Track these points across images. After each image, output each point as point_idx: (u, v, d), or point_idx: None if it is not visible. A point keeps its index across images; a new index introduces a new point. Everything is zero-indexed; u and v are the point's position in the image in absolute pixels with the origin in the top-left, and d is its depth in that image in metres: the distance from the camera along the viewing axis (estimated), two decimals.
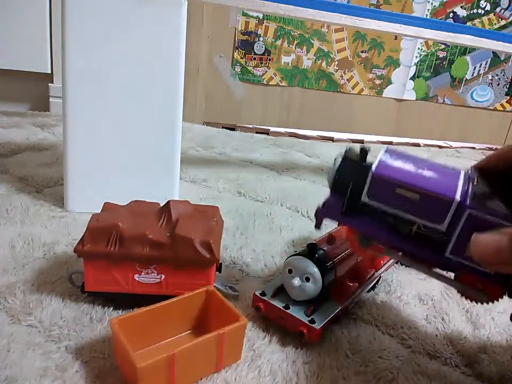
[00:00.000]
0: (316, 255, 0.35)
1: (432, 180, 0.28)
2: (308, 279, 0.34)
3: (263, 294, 0.36)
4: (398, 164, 0.29)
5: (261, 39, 1.25)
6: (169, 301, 0.32)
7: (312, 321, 0.33)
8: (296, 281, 0.34)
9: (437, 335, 0.38)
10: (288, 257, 0.36)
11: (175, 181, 0.56)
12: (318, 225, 0.32)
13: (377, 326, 0.38)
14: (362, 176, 0.29)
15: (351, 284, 0.37)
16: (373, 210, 0.30)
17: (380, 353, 0.35)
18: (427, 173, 0.29)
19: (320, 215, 0.32)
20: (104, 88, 0.49)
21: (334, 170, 0.31)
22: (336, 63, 1.30)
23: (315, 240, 0.38)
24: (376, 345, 0.36)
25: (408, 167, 0.29)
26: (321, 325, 0.33)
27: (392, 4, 1.26)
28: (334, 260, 0.36)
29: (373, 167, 0.28)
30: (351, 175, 0.30)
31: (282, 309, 0.34)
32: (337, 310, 0.35)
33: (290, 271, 0.35)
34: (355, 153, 0.31)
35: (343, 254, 0.37)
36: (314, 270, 0.34)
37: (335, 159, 0.31)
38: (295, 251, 0.37)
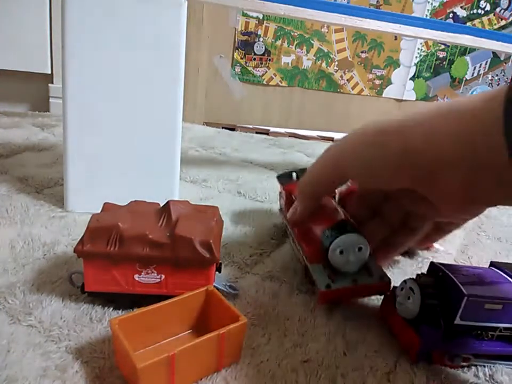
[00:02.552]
0: (350, 228, 0.38)
1: (506, 289, 0.33)
2: (360, 249, 0.37)
3: (328, 286, 0.37)
4: (471, 279, 0.33)
5: (261, 39, 1.25)
6: (169, 301, 0.32)
7: (381, 278, 0.38)
8: (352, 257, 0.37)
9: None
10: (330, 242, 0.37)
11: (175, 181, 0.56)
12: (418, 361, 0.34)
13: (375, 320, 0.38)
14: (449, 299, 0.32)
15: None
16: (463, 329, 0.32)
17: (378, 347, 0.35)
18: (495, 283, 0.34)
19: (424, 350, 0.33)
20: (104, 88, 0.49)
21: (419, 300, 0.33)
22: (336, 63, 1.30)
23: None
24: (373, 339, 0.36)
25: (479, 280, 0.33)
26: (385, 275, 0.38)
27: (392, 4, 1.26)
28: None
29: (464, 290, 0.31)
30: (436, 300, 0.33)
31: (354, 285, 0.37)
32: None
33: (341, 252, 0.37)
34: (425, 278, 0.34)
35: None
36: (363, 239, 0.37)
37: (402, 288, 0.35)
38: (328, 231, 0.38)
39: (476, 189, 0.28)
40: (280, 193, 0.53)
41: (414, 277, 0.35)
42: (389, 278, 0.38)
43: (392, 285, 0.38)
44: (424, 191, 0.31)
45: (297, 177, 0.51)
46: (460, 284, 0.32)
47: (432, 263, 0.36)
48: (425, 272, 0.36)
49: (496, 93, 0.26)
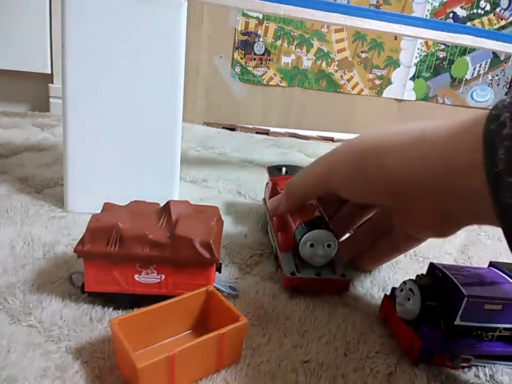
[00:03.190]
0: (323, 225, 0.40)
1: (505, 289, 0.33)
2: (329, 246, 0.39)
3: (293, 273, 0.40)
4: (470, 280, 0.33)
5: (261, 39, 1.25)
6: (169, 301, 0.32)
7: (343, 276, 0.40)
8: (321, 251, 0.39)
9: None
10: (302, 235, 0.39)
11: (175, 181, 0.56)
12: (418, 362, 0.34)
13: (375, 320, 0.38)
14: (449, 300, 0.32)
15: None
16: (463, 330, 0.32)
17: (378, 348, 0.35)
18: (495, 283, 0.34)
19: (425, 351, 0.33)
20: (104, 88, 0.49)
21: (419, 301, 0.33)
22: (336, 63, 1.30)
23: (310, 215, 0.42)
24: (374, 339, 0.36)
25: (479, 280, 0.34)
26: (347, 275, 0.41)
27: (392, 4, 1.26)
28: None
29: (464, 291, 0.31)
30: (436, 301, 0.33)
31: (316, 277, 0.40)
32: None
33: (312, 245, 0.39)
34: (425, 279, 0.34)
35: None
36: (333, 238, 0.39)
37: (401, 289, 0.35)
38: (302, 225, 0.40)
39: (450, 213, 0.30)
40: (267, 184, 0.55)
41: (414, 277, 0.35)
42: (350, 277, 0.42)
43: (392, 286, 0.38)
44: (402, 211, 0.34)
45: (286, 172, 0.53)
46: (459, 285, 0.32)
47: (431, 264, 0.36)
48: (425, 273, 0.36)
49: (464, 129, 0.27)
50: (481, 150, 0.25)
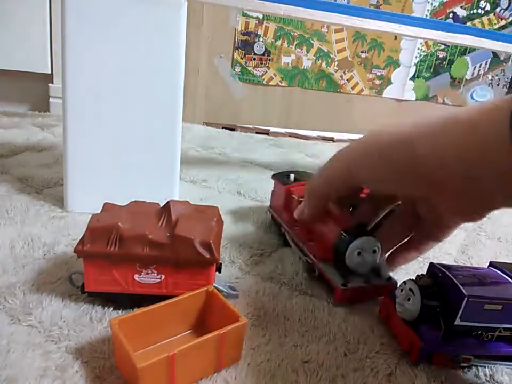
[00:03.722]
0: (366, 230, 0.39)
1: (506, 290, 0.33)
2: (374, 251, 0.39)
3: (344, 284, 0.39)
4: (470, 280, 0.33)
5: (261, 39, 1.25)
6: (169, 301, 0.32)
7: (389, 279, 0.41)
8: (368, 258, 0.39)
9: None
10: (348, 244, 0.38)
11: (175, 181, 0.56)
12: (418, 362, 0.34)
13: (375, 320, 0.38)
14: (448, 300, 0.32)
15: None
16: (463, 330, 0.32)
17: (378, 348, 0.35)
18: (495, 283, 0.34)
19: (425, 351, 0.33)
20: (104, 88, 0.49)
21: (419, 301, 0.33)
22: (336, 63, 1.30)
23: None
24: (374, 339, 0.36)
25: (479, 280, 0.34)
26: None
27: (392, 4, 1.26)
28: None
29: (464, 291, 0.31)
30: (436, 301, 0.33)
31: (366, 285, 0.39)
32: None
33: (359, 253, 0.38)
34: (425, 279, 0.34)
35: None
36: (378, 243, 0.39)
37: (402, 289, 0.35)
38: (343, 234, 0.40)
39: (482, 196, 0.30)
40: (273, 191, 0.54)
41: (414, 277, 0.35)
42: (394, 279, 0.41)
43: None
44: (429, 197, 0.33)
45: (295, 178, 0.52)
46: (459, 285, 0.32)
47: (431, 264, 0.36)
48: (425, 273, 0.36)
49: (496, 105, 0.27)
50: (508, 125, 0.25)
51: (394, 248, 0.42)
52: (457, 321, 0.32)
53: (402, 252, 0.42)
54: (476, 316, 0.32)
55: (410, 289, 0.34)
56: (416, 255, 0.42)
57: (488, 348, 0.33)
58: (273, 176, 0.54)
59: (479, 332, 0.33)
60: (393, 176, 0.33)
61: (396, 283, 0.40)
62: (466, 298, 0.31)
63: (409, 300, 0.34)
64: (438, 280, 0.34)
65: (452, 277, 0.33)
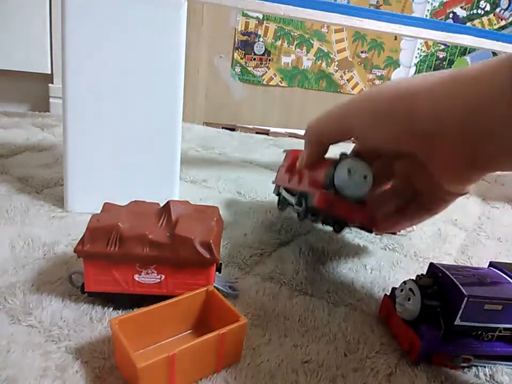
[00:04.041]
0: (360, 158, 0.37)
1: (506, 290, 0.33)
2: (365, 177, 0.36)
3: (326, 188, 0.37)
4: (470, 280, 0.33)
5: (261, 39, 1.25)
6: (169, 301, 0.32)
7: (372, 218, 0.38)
8: (358, 180, 0.36)
9: None
10: (338, 162, 0.37)
11: (175, 181, 0.56)
12: (418, 362, 0.33)
13: (375, 320, 0.38)
14: (449, 300, 0.32)
15: None
16: (463, 330, 0.32)
17: (378, 348, 0.35)
18: (494, 283, 0.34)
19: (425, 351, 0.33)
20: (104, 88, 0.49)
21: (419, 301, 0.33)
22: (336, 63, 1.30)
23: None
24: (374, 339, 0.36)
25: (479, 280, 0.33)
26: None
27: (392, 4, 1.26)
28: None
29: (464, 291, 0.31)
30: (436, 301, 0.33)
31: (349, 202, 0.37)
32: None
33: (349, 171, 0.36)
34: (425, 279, 0.34)
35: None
36: (370, 171, 0.37)
37: (402, 289, 0.35)
38: (337, 162, 0.37)
39: (477, 153, 0.29)
40: (282, 165, 0.53)
41: (414, 277, 0.35)
42: (376, 219, 0.39)
43: (392, 286, 0.38)
44: (426, 157, 0.32)
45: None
46: (459, 285, 0.32)
47: (431, 264, 0.36)
48: (425, 273, 0.36)
49: (499, 61, 0.27)
50: (510, 80, 0.25)
51: (385, 215, 0.41)
52: (457, 321, 0.32)
53: (393, 218, 0.41)
54: (476, 315, 0.32)
55: (410, 289, 0.34)
56: (407, 225, 0.42)
57: (488, 347, 0.33)
58: (285, 150, 0.54)
59: (479, 332, 0.33)
60: (391, 130, 0.32)
61: (376, 222, 0.39)
62: (466, 298, 0.31)
63: (409, 299, 0.34)
64: (438, 280, 0.34)
65: (452, 277, 0.33)
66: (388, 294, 0.38)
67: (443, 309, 0.32)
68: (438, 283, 0.34)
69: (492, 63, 0.27)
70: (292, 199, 0.46)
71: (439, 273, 0.34)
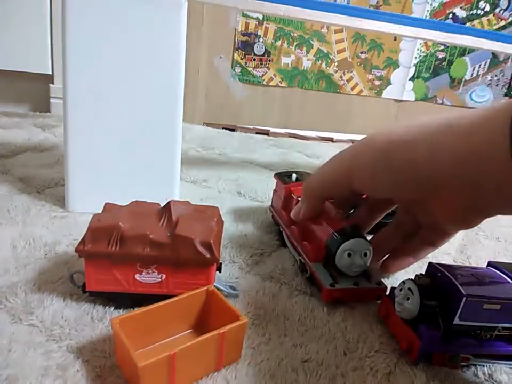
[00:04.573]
0: (358, 233, 0.39)
1: (504, 289, 0.33)
2: (365, 254, 0.39)
3: (332, 285, 0.39)
4: (469, 279, 0.33)
5: (261, 40, 1.25)
6: (169, 301, 0.32)
7: (379, 284, 0.40)
8: (358, 260, 0.38)
9: None
10: (338, 245, 0.38)
11: (176, 181, 0.56)
12: (417, 362, 0.34)
13: (375, 320, 0.38)
14: (447, 299, 0.32)
15: None
16: (462, 329, 0.32)
17: (377, 347, 0.35)
18: (493, 283, 0.34)
19: (424, 351, 0.33)
20: (104, 88, 0.50)
21: (418, 301, 0.33)
22: (336, 64, 1.30)
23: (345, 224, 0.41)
24: (373, 338, 0.36)
25: (478, 280, 0.34)
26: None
27: (391, 4, 1.26)
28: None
29: (463, 291, 0.31)
30: (435, 301, 0.33)
31: (355, 287, 0.39)
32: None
33: (349, 255, 0.38)
34: (424, 279, 0.34)
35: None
36: (369, 246, 0.39)
37: (401, 289, 0.35)
38: (335, 234, 0.39)
39: (477, 200, 0.30)
40: (275, 191, 0.54)
41: (413, 277, 0.35)
42: (385, 284, 0.40)
43: (391, 286, 0.38)
44: (427, 202, 0.33)
45: (297, 179, 0.52)
46: (458, 284, 0.32)
47: (430, 264, 0.36)
48: (424, 273, 0.36)
49: (495, 110, 0.27)
50: (506, 133, 0.25)
51: (390, 254, 0.42)
52: (456, 321, 0.32)
53: (398, 257, 0.42)
54: (474, 315, 0.32)
55: (409, 289, 0.34)
56: (412, 261, 0.42)
57: (487, 347, 0.33)
58: (276, 175, 0.54)
59: (478, 331, 0.33)
60: (390, 180, 0.33)
61: (386, 288, 0.40)
62: (465, 298, 0.31)
63: (408, 299, 0.34)
64: (437, 280, 0.34)
65: (450, 276, 0.33)
66: (387, 293, 0.38)
67: (442, 308, 0.33)
68: (436, 283, 0.34)
69: (485, 113, 0.28)
70: (292, 249, 0.47)
71: (437, 272, 0.34)
